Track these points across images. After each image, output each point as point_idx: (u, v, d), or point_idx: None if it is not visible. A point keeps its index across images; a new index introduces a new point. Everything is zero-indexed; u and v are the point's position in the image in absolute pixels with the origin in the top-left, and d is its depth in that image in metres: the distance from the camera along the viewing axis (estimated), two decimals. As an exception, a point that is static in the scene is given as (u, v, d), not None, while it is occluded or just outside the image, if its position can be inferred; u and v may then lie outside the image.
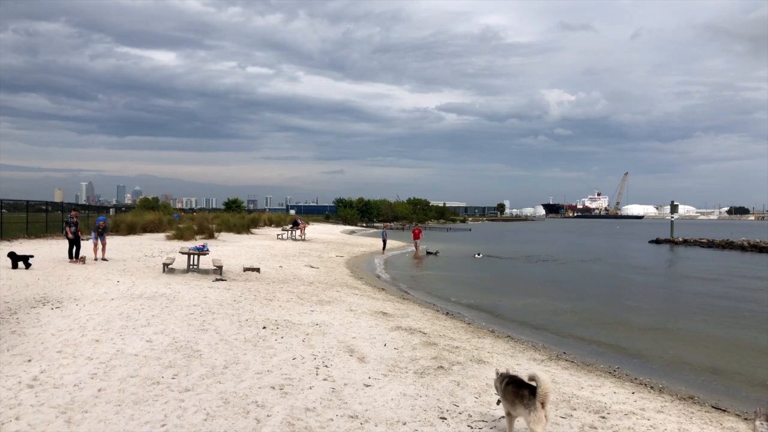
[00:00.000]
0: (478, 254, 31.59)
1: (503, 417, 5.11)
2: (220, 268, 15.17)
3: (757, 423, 5.38)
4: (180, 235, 28.03)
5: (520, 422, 4.92)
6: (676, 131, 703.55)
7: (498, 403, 5.15)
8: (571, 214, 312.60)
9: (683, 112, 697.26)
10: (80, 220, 29.24)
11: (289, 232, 37.15)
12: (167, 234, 29.62)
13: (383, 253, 31.19)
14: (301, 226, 38.70)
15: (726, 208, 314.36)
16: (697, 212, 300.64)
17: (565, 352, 9.77)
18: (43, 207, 31.49)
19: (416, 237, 33.22)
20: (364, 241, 40.30)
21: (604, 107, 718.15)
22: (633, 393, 7.19)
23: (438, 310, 13.41)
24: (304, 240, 35.35)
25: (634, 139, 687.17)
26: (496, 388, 5.14)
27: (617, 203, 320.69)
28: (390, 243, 33.85)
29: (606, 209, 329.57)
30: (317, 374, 6.57)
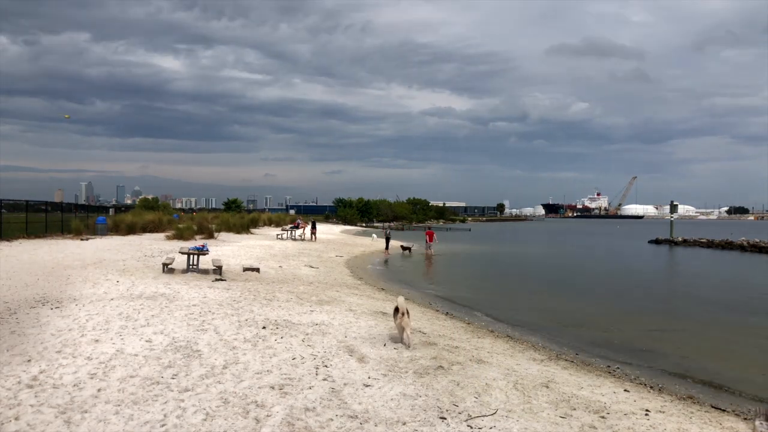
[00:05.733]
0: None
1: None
2: (219, 268, 15.16)
3: (757, 423, 5.39)
4: (180, 235, 28.00)
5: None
6: (671, 132, 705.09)
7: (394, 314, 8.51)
8: (570, 214, 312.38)
9: (672, 113, 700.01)
10: (80, 221, 29.47)
11: (289, 232, 37.16)
12: (167, 234, 29.58)
13: (386, 252, 31.90)
14: (301, 225, 38.72)
15: (726, 208, 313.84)
16: (696, 212, 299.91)
17: (564, 352, 9.77)
18: (43, 207, 31.46)
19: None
20: (364, 241, 40.31)
21: (584, 110, 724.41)
22: (633, 393, 7.20)
23: (437, 310, 13.41)
24: (303, 240, 35.32)
25: (619, 141, 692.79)
26: (394, 313, 8.45)
27: (619, 204, 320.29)
28: (383, 244, 34.21)
29: (606, 209, 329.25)
30: (317, 374, 6.57)
